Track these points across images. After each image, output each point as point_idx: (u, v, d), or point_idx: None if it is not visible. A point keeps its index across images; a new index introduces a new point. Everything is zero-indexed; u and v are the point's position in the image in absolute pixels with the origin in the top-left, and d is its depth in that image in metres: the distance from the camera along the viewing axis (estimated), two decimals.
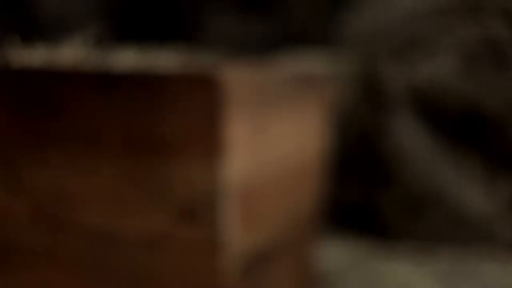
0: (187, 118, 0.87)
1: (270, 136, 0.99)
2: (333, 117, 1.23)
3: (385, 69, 1.54)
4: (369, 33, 1.60)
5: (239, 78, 0.88)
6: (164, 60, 1.21)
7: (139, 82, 0.88)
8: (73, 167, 0.95)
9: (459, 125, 1.45)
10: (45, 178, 0.97)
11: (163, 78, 0.87)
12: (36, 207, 0.98)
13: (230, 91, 0.86)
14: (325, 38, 1.90)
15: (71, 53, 1.06)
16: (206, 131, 0.87)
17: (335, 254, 1.45)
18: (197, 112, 0.86)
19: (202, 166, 0.88)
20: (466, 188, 1.45)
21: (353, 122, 1.63)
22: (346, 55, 1.14)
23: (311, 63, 1.16)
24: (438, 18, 1.49)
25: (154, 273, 0.94)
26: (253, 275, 0.98)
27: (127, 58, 1.20)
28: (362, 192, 1.61)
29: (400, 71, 1.51)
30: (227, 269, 0.90)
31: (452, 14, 1.47)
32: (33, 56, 1.06)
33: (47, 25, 1.98)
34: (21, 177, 0.98)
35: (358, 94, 1.61)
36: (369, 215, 1.57)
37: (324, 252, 1.46)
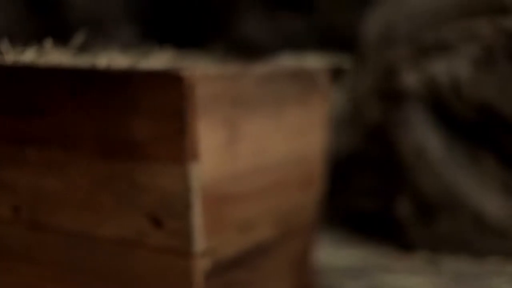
0: (155, 117, 0.85)
1: (250, 139, 0.96)
2: (332, 118, 1.20)
3: (402, 70, 1.49)
4: (387, 32, 1.55)
5: (207, 78, 0.86)
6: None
7: (107, 79, 0.87)
8: (51, 168, 0.94)
9: (476, 126, 1.39)
10: (24, 178, 0.97)
11: (130, 76, 0.86)
12: (16, 207, 0.99)
13: (197, 90, 0.84)
14: (352, 36, 1.86)
15: (56, 54, 1.06)
16: (174, 133, 0.84)
17: (344, 261, 1.41)
18: (164, 111, 0.84)
19: (171, 170, 0.85)
20: (483, 193, 1.39)
21: (369, 124, 1.58)
22: (348, 58, 1.11)
23: (311, 64, 1.12)
24: (455, 18, 1.43)
25: (126, 276, 0.92)
26: (227, 279, 0.96)
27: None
28: (377, 198, 1.57)
29: (417, 72, 1.46)
30: (198, 273, 0.88)
31: (470, 14, 1.41)
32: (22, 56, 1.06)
33: (78, 28, 2.00)
34: (1, 177, 0.98)
35: (375, 96, 1.57)
36: (384, 221, 1.52)
37: (332, 258, 1.43)
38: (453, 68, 1.40)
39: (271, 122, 1.01)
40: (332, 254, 1.45)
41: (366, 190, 1.60)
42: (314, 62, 1.13)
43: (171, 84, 0.83)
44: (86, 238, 0.93)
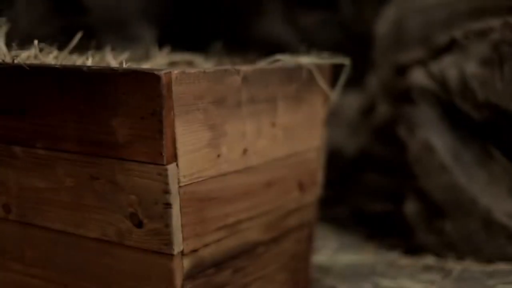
0: (134, 117, 0.84)
1: (236, 140, 0.95)
2: (329, 116, 1.17)
3: (412, 69, 1.46)
4: (397, 30, 1.53)
5: (187, 78, 0.85)
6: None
7: (88, 79, 0.87)
8: (37, 167, 0.94)
9: (485, 126, 1.36)
10: (13, 177, 0.97)
11: (109, 75, 0.85)
12: (6, 205, 0.99)
13: (175, 90, 0.83)
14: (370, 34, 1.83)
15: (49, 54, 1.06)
16: (152, 133, 0.84)
17: (351, 262, 1.39)
18: (143, 111, 0.83)
19: (150, 170, 0.85)
20: (492, 194, 1.35)
21: (378, 124, 1.56)
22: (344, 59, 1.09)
23: (311, 62, 1.10)
24: (466, 17, 1.40)
25: (109, 275, 0.92)
26: (210, 280, 0.95)
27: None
28: (386, 199, 1.54)
29: (427, 71, 1.43)
30: (178, 274, 0.88)
31: (481, 13, 1.38)
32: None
33: (98, 29, 2.01)
34: None
35: (385, 95, 1.54)
36: (393, 222, 1.50)
37: (338, 258, 1.42)
38: (462, 67, 1.37)
39: (261, 122, 1.00)
40: (339, 255, 1.43)
41: (375, 191, 1.58)
42: (315, 60, 1.11)
43: (148, 83, 0.82)
44: (71, 237, 0.94)
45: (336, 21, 2.18)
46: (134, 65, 1.19)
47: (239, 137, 0.96)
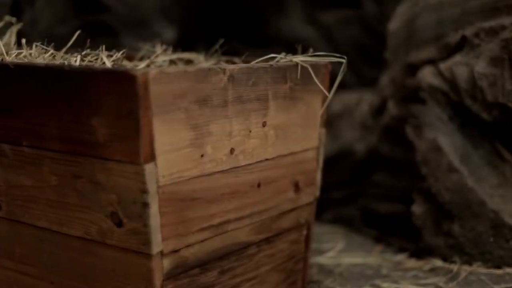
0: (113, 117, 0.84)
1: (222, 140, 0.94)
2: (326, 114, 1.15)
3: (421, 69, 1.43)
4: (408, 29, 1.50)
5: (165, 77, 0.85)
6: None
7: (69, 79, 0.87)
8: (23, 165, 0.95)
9: (494, 127, 1.32)
10: (2, 175, 0.98)
11: (88, 75, 0.86)
12: None
13: (152, 89, 0.83)
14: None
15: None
16: (129, 132, 0.83)
17: (356, 263, 1.38)
18: (120, 110, 0.83)
19: (128, 170, 0.84)
20: (501, 195, 1.32)
21: (387, 124, 1.53)
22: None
23: (308, 60, 1.09)
24: (477, 16, 1.36)
25: (92, 274, 0.92)
26: (194, 280, 0.94)
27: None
28: (394, 200, 1.51)
29: (438, 70, 1.40)
30: (157, 274, 0.87)
31: (493, 12, 1.34)
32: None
33: (118, 29, 2.03)
34: None
35: (395, 95, 1.52)
36: (402, 224, 1.47)
37: (344, 260, 1.40)
38: (472, 66, 1.33)
39: (251, 121, 0.99)
40: (344, 256, 1.42)
41: (384, 192, 1.55)
42: (310, 59, 1.09)
43: (125, 83, 0.82)
44: (56, 235, 0.94)
45: (358, 19, 2.15)
46: (129, 65, 1.20)
47: (225, 137, 0.95)
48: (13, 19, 1.25)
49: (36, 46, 1.09)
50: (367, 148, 1.60)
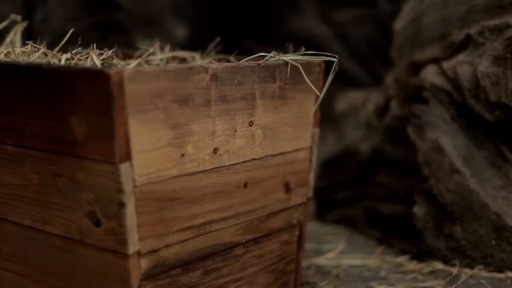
0: (90, 115, 0.84)
1: (204, 139, 0.93)
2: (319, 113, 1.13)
3: (424, 68, 1.41)
4: (412, 27, 1.47)
5: (141, 76, 0.84)
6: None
7: (48, 77, 0.87)
8: (8, 163, 0.96)
9: (497, 127, 1.29)
10: None
11: (65, 73, 0.85)
12: None
13: (127, 88, 0.82)
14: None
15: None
16: (105, 132, 0.83)
17: (357, 265, 1.36)
18: (97, 109, 0.83)
19: (105, 169, 0.84)
20: (504, 197, 1.29)
21: (391, 124, 1.51)
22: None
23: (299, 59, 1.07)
24: (482, 15, 1.34)
25: (72, 273, 0.92)
26: (174, 281, 0.94)
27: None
28: (396, 201, 1.49)
29: (441, 69, 1.37)
30: (134, 274, 0.87)
31: (498, 10, 1.31)
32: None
33: (131, 27, 2.03)
34: None
35: (399, 94, 1.49)
36: (403, 226, 1.45)
37: (344, 261, 1.38)
38: (476, 65, 1.30)
39: (236, 121, 0.98)
40: (344, 257, 1.40)
41: (387, 192, 1.53)
42: (300, 57, 1.08)
43: (100, 82, 0.82)
44: (39, 234, 0.95)
45: (372, 17, 2.13)
46: (120, 64, 1.20)
47: (208, 136, 0.94)
48: (18, 17, 1.25)
49: (28, 44, 1.09)
50: (372, 148, 1.58)
